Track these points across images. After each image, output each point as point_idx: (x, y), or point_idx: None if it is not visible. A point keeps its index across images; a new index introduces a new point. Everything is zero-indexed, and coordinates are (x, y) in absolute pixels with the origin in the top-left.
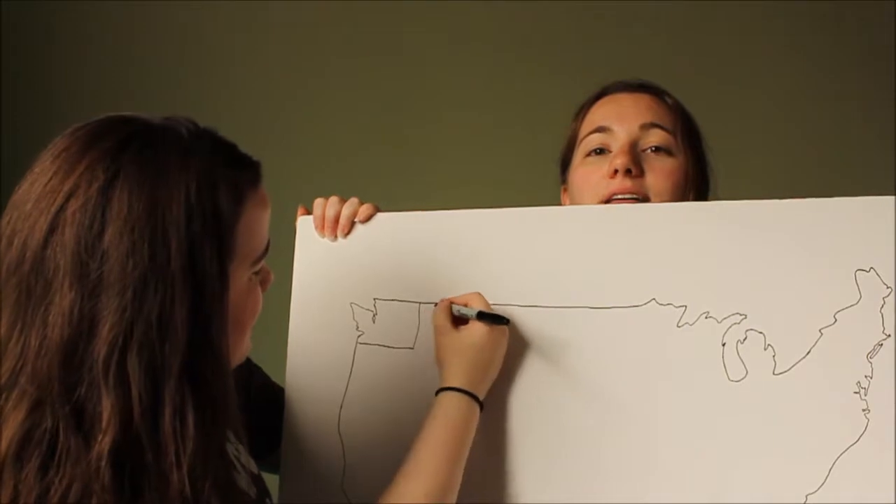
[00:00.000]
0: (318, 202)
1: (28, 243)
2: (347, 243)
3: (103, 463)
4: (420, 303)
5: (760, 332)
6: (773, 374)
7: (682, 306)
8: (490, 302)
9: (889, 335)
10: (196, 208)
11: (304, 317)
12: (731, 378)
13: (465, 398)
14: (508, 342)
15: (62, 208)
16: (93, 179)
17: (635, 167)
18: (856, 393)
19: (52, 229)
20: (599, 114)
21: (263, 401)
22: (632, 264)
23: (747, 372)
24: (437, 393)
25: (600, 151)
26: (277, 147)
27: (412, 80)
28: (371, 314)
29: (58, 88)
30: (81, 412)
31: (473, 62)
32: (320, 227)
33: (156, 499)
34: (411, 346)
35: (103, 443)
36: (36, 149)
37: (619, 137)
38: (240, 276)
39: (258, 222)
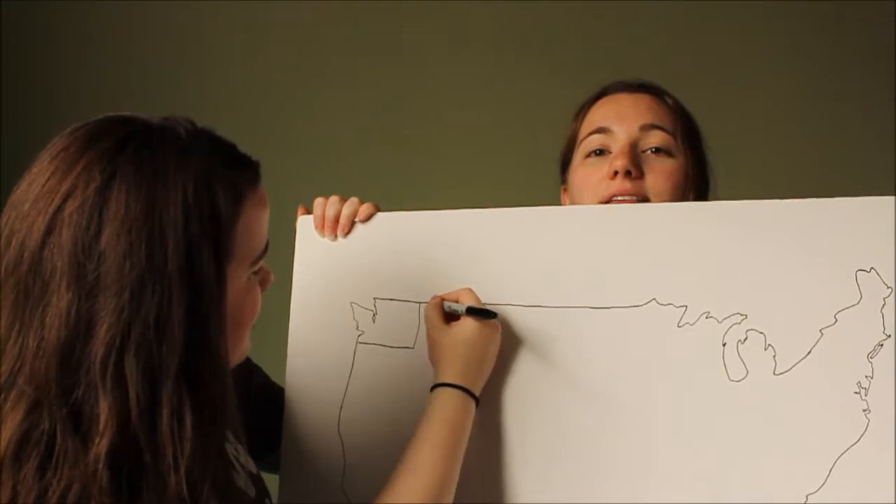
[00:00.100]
0: (318, 202)
1: (26, 244)
2: (347, 243)
3: (101, 465)
4: (420, 302)
5: (761, 333)
6: (774, 374)
7: (683, 306)
8: (490, 302)
9: (889, 335)
10: (194, 209)
11: (305, 316)
12: (732, 378)
13: (459, 393)
14: (509, 342)
15: (59, 209)
16: (90, 180)
17: (635, 169)
18: (856, 393)
19: (49, 230)
20: (599, 114)
21: (263, 401)
22: (632, 264)
23: (748, 372)
24: (431, 389)
25: (600, 152)
26: (277, 147)
27: (412, 80)
28: (371, 314)
29: (58, 88)
30: (79, 413)
31: (473, 62)
32: (320, 227)
33: (154, 500)
34: (411, 345)
35: (101, 444)
36: (36, 149)
37: (619, 138)
38: (238, 277)
39: (257, 222)
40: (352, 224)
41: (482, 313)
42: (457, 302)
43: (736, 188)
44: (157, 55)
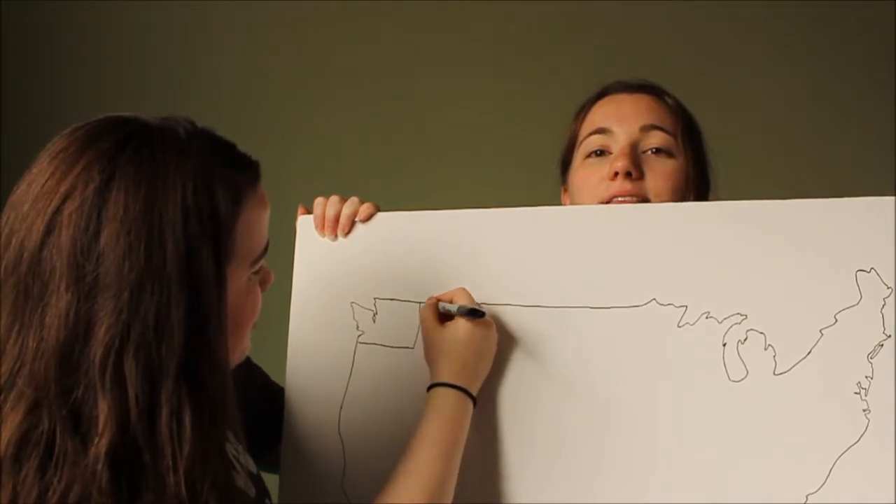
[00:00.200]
0: (319, 201)
1: (25, 244)
2: (348, 243)
3: (100, 465)
4: (420, 302)
5: (761, 333)
6: (774, 374)
7: (683, 306)
8: (490, 302)
9: (889, 336)
10: (193, 209)
11: (305, 316)
12: (732, 378)
13: (455, 393)
14: (509, 342)
15: (59, 210)
16: (89, 180)
17: (635, 170)
18: (856, 393)
19: (48, 231)
20: (599, 115)
21: (263, 400)
22: (632, 264)
23: (748, 372)
24: (428, 389)
25: (600, 153)
26: (277, 147)
27: (412, 80)
28: (371, 314)
29: (58, 88)
30: (78, 414)
31: (473, 62)
32: (320, 227)
33: (153, 500)
34: (411, 345)
35: (100, 445)
36: (36, 149)
37: (620, 139)
38: (238, 277)
39: (257, 222)
40: (352, 224)
41: (471, 313)
42: (450, 302)
43: (736, 188)
44: (157, 55)
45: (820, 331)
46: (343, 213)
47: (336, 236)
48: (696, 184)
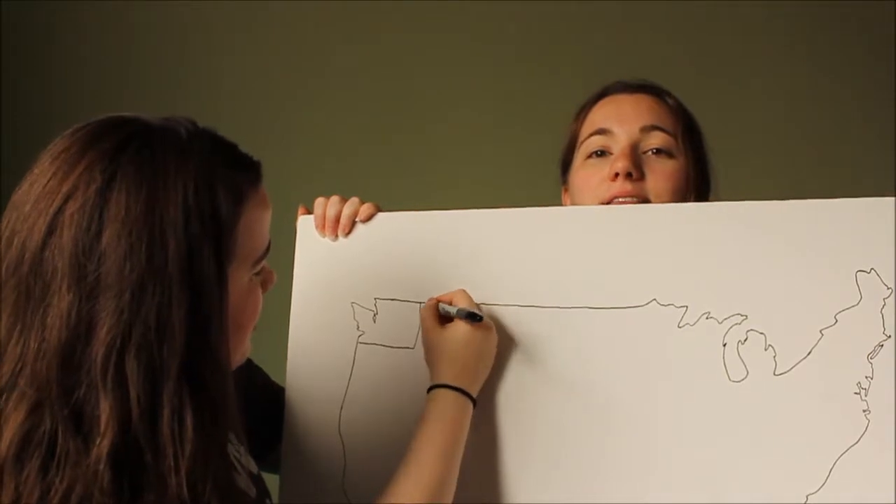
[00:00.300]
0: (319, 202)
1: (27, 245)
2: (348, 243)
3: (102, 465)
4: (421, 303)
5: (761, 333)
6: (774, 374)
7: (683, 307)
8: (491, 302)
9: (889, 336)
10: (194, 209)
11: (305, 316)
12: (732, 378)
13: (453, 394)
14: (509, 342)
15: (60, 210)
16: (91, 181)
17: (636, 170)
18: (856, 394)
19: (50, 231)
20: (600, 115)
21: (264, 401)
22: (633, 265)
23: (748, 372)
24: (428, 391)
25: (601, 153)
26: (277, 147)
27: (412, 80)
28: (372, 314)
29: (58, 88)
30: (80, 414)
31: (473, 62)
32: (321, 227)
33: (155, 500)
34: (412, 345)
35: (102, 445)
36: (36, 149)
37: (620, 140)
38: (240, 278)
39: (258, 223)
40: (352, 224)
41: (470, 317)
42: (450, 304)
43: (736, 188)
44: (157, 55)
45: (820, 331)
46: (343, 213)
47: (337, 236)
48: (697, 184)
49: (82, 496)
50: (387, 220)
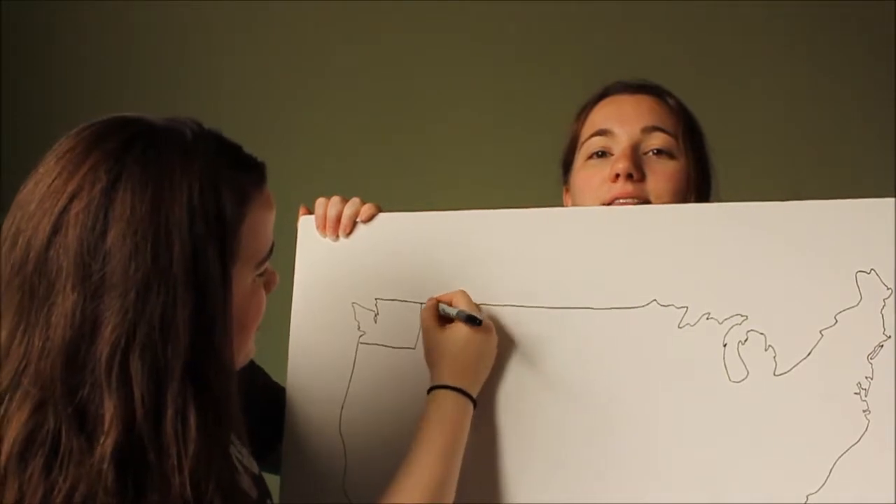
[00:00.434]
0: (320, 202)
1: (31, 244)
2: (349, 243)
3: (106, 464)
4: (421, 303)
5: (761, 333)
6: (774, 374)
7: (684, 307)
8: (491, 302)
9: (889, 336)
10: (199, 210)
11: (306, 317)
12: (732, 379)
13: (453, 395)
14: (510, 343)
15: (65, 209)
16: (96, 181)
17: (637, 171)
18: (856, 394)
19: (55, 230)
20: (601, 116)
21: (265, 401)
22: (633, 265)
23: (748, 373)
24: (428, 392)
25: (602, 154)
26: (278, 147)
27: (413, 80)
28: (373, 314)
29: (58, 88)
30: (84, 413)
31: (473, 62)
32: (322, 227)
33: (158, 500)
34: (413, 346)
35: (106, 444)
36: (36, 149)
37: (621, 141)
38: (243, 278)
39: (262, 224)
40: (353, 224)
41: (469, 319)
42: (450, 304)
43: (736, 188)
44: (157, 55)
45: (820, 331)
46: (344, 213)
47: (337, 237)
48: (698, 185)
49: (86, 495)
50: (388, 221)
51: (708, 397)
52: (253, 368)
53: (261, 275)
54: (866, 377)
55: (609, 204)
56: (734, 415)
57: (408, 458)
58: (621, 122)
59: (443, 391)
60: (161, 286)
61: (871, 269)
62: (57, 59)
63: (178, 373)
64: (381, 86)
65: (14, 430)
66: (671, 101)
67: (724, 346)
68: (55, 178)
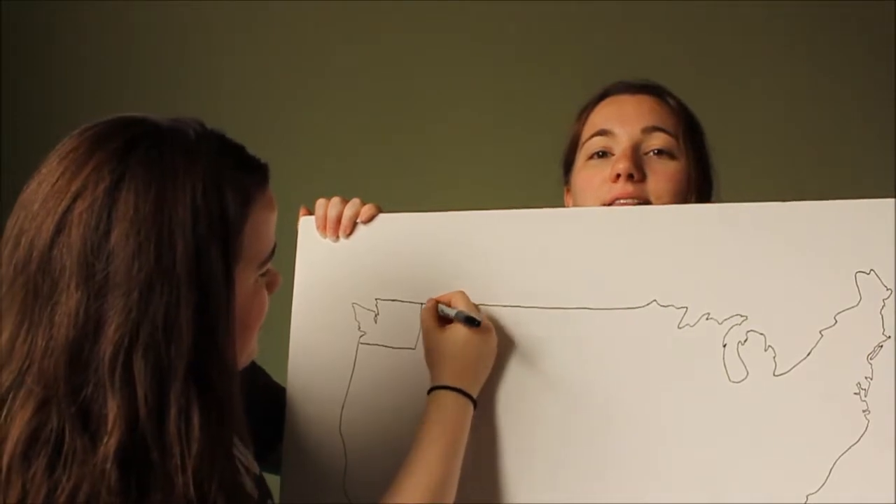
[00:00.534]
0: (320, 203)
1: (35, 243)
2: (349, 244)
3: (109, 464)
4: (422, 303)
5: (761, 334)
6: (774, 375)
7: (683, 307)
8: (491, 303)
9: (889, 337)
10: (202, 210)
11: (306, 317)
12: (732, 379)
13: (453, 395)
14: (510, 343)
15: (69, 209)
16: (99, 180)
17: (637, 172)
18: (856, 394)
19: (58, 230)
20: (601, 116)
21: (266, 402)
22: (633, 265)
23: (748, 373)
24: (428, 392)
25: (602, 154)
26: (278, 147)
27: (413, 80)
28: (373, 314)
29: (58, 88)
30: (87, 413)
31: (473, 62)
32: (322, 228)
33: (161, 499)
34: (413, 346)
35: (109, 444)
36: (36, 149)
37: (621, 141)
38: (246, 279)
39: (265, 224)
40: (354, 225)
41: (468, 321)
42: (449, 305)
43: (736, 188)
44: (157, 55)
45: (820, 332)
46: (345, 214)
47: (338, 237)
48: (698, 185)
49: (89, 494)
50: (388, 221)
51: (708, 397)
52: (253, 369)
53: (263, 275)
54: (866, 377)
55: (609, 204)
56: (734, 415)
57: (408, 458)
58: (622, 122)
59: (443, 391)
60: (164, 286)
61: (871, 270)
62: (57, 59)
63: (181, 372)
64: (381, 86)
65: (17, 429)
66: (672, 102)
67: (724, 346)
68: (58, 178)
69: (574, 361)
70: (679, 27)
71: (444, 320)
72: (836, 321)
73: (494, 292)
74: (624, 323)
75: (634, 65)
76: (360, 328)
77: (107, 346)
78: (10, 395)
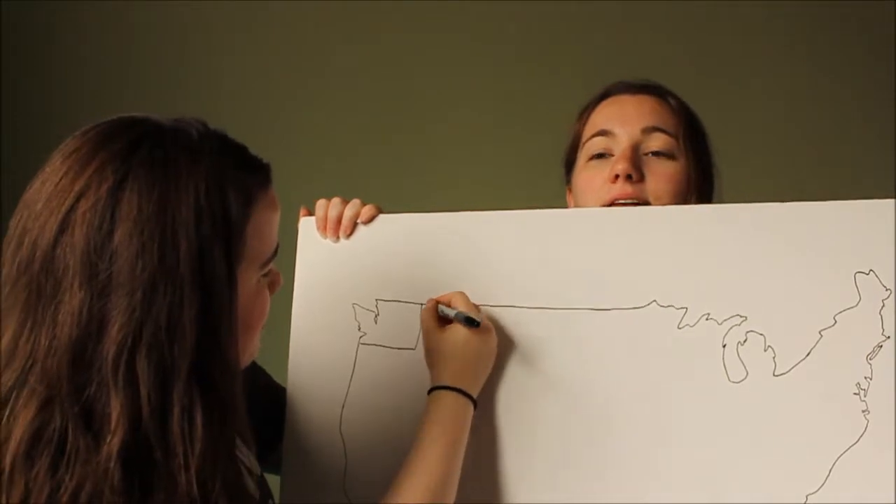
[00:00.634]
0: (321, 203)
1: (38, 243)
2: (350, 244)
3: (112, 463)
4: (422, 304)
5: (761, 334)
6: (774, 375)
7: (683, 308)
8: (491, 303)
9: (888, 337)
10: (205, 210)
11: (306, 317)
12: (732, 379)
13: (453, 395)
14: (510, 344)
15: (72, 208)
16: (103, 180)
17: (636, 172)
18: (855, 394)
19: (62, 229)
20: (602, 116)
21: (267, 402)
22: (633, 266)
23: (748, 373)
24: (429, 393)
25: (603, 155)
26: (278, 148)
27: (413, 80)
28: (373, 315)
29: (58, 88)
30: (91, 412)
31: (473, 62)
32: (322, 229)
33: (164, 499)
34: (413, 346)
35: (112, 443)
36: (36, 149)
37: (621, 141)
38: (248, 279)
39: (267, 224)
40: (354, 226)
41: (467, 321)
42: (448, 306)
43: (736, 188)
44: (157, 55)
45: (819, 332)
46: (345, 214)
47: (338, 238)
48: (699, 185)
49: (92, 494)
50: (388, 222)
51: (707, 398)
52: (254, 369)
53: (265, 275)
54: (865, 377)
55: (609, 205)
56: (734, 415)
57: (409, 458)
58: (622, 122)
59: (443, 391)
60: (167, 286)
61: (870, 270)
62: (57, 59)
63: (184, 372)
64: (381, 86)
65: (21, 428)
66: (673, 102)
67: (724, 346)
68: (62, 178)
69: (574, 362)
70: (679, 27)
71: (444, 321)
72: (836, 321)
73: (494, 293)
74: (624, 323)
75: (634, 65)
76: (360, 328)
77: (110, 346)
78: (14, 395)
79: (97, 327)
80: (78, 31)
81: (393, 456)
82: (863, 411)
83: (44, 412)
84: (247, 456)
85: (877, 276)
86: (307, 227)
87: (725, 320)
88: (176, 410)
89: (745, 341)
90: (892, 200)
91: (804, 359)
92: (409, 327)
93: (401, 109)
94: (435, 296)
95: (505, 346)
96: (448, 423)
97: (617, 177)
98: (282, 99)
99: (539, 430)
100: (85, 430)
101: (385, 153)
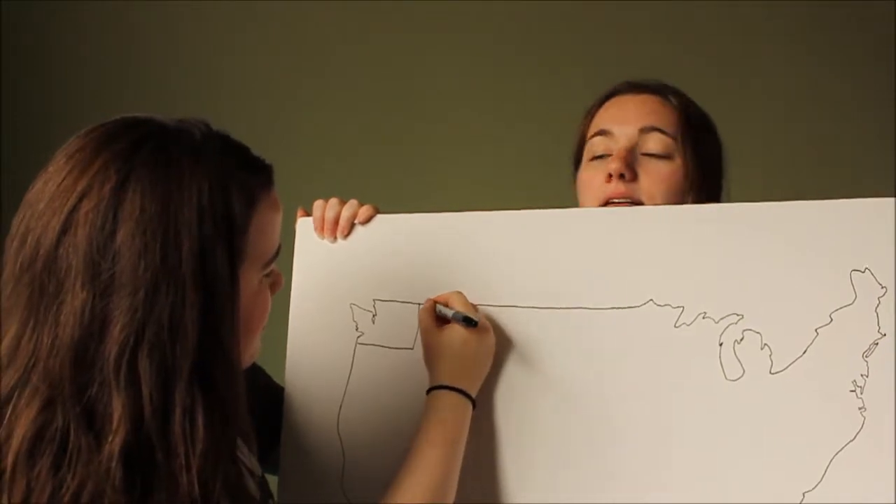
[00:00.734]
0: (318, 204)
1: (41, 242)
2: (347, 245)
3: (114, 462)
4: (419, 304)
5: (757, 332)
6: (770, 373)
7: (680, 307)
8: (489, 303)
9: (884, 334)
10: (208, 210)
11: (304, 318)
12: (728, 377)
13: (452, 394)
14: (507, 343)
15: (75, 208)
16: (105, 180)
17: (629, 171)
18: (852, 391)
19: (64, 229)
20: (604, 116)
21: (266, 402)
22: (629, 265)
23: (744, 371)
24: (427, 392)
25: (603, 155)
26: (277, 148)
27: (412, 80)
28: (371, 315)
29: (58, 88)
30: (92, 412)
31: (474, 62)
32: (320, 229)
33: (166, 498)
34: (410, 346)
35: (114, 443)
36: (36, 149)
37: (619, 141)
38: (250, 279)
39: (270, 225)
40: (351, 226)
41: (465, 321)
42: (446, 306)
43: (735, 188)
44: (157, 55)
45: (815, 330)
46: (342, 215)
47: (335, 238)
48: (699, 184)
49: (93, 493)
50: (385, 222)
51: (704, 396)
52: (254, 369)
53: (267, 276)
54: (862, 375)
55: (603, 204)
56: (730, 413)
57: (408, 458)
58: (621, 122)
59: (442, 391)
60: (170, 286)
61: (866, 268)
62: (57, 59)
63: (185, 372)
64: (381, 86)
65: (23, 428)
66: (674, 101)
67: (720, 345)
68: (65, 178)
69: (571, 361)
70: (679, 27)
71: (441, 320)
72: (832, 319)
73: (492, 292)
74: (620, 322)
75: (634, 65)
76: (357, 328)
77: (112, 346)
78: (16, 394)
79: (99, 327)
80: (78, 31)
81: (391, 455)
82: (859, 409)
83: (46, 412)
84: (248, 457)
85: (872, 273)
86: (304, 227)
87: (722, 319)
88: (177, 410)
89: (741, 339)
90: (888, 199)
91: (800, 357)
92: (407, 327)
93: (400, 110)
94: (433, 296)
95: (502, 345)
96: (447, 423)
97: (611, 176)
98: (282, 99)
99: (537, 429)
100: (87, 430)
101: (384, 153)
